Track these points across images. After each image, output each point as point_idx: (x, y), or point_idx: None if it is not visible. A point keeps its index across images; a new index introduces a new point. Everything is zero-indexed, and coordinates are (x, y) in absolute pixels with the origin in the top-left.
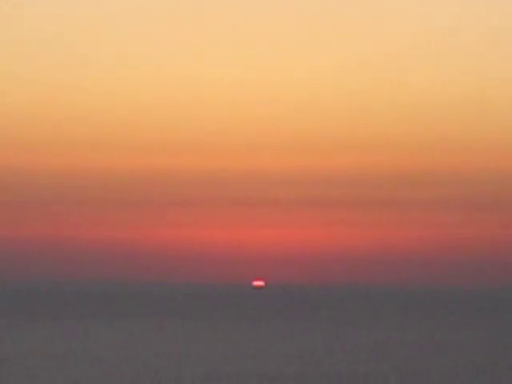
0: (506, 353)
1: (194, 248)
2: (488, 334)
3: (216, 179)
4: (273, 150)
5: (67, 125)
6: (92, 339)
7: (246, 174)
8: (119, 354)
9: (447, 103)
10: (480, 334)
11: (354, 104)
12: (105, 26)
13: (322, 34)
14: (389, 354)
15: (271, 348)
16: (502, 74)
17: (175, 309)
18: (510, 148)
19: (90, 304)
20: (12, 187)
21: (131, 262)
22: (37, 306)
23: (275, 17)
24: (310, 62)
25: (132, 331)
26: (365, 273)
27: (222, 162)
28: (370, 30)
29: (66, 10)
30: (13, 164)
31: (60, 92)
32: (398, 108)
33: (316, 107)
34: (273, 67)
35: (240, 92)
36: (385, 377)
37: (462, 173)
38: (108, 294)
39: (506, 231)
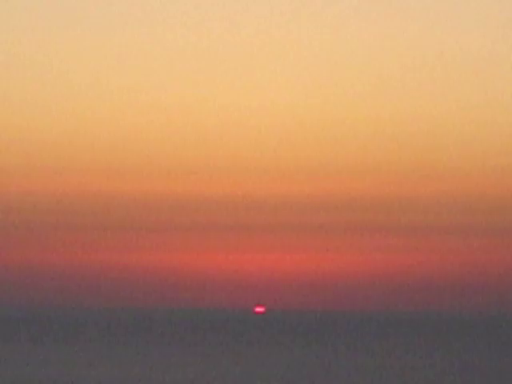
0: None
1: (193, 273)
2: (474, 359)
3: (216, 203)
4: (269, 175)
5: (67, 150)
6: (89, 366)
7: (245, 198)
8: (117, 380)
9: (433, 130)
10: (463, 359)
11: (348, 130)
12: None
13: (314, 57)
14: (390, 379)
15: (271, 374)
16: (487, 97)
17: (174, 335)
18: (494, 172)
19: (88, 330)
20: (21, 211)
21: (130, 288)
22: (39, 333)
23: (262, 41)
24: (295, 87)
25: (131, 358)
26: (364, 298)
27: (223, 187)
28: (354, 55)
29: (83, 37)
30: (23, 188)
31: (60, 118)
32: (392, 135)
33: (308, 133)
34: (257, 91)
35: (230, 116)
36: None
37: (450, 198)
38: (106, 319)
39: (490, 256)
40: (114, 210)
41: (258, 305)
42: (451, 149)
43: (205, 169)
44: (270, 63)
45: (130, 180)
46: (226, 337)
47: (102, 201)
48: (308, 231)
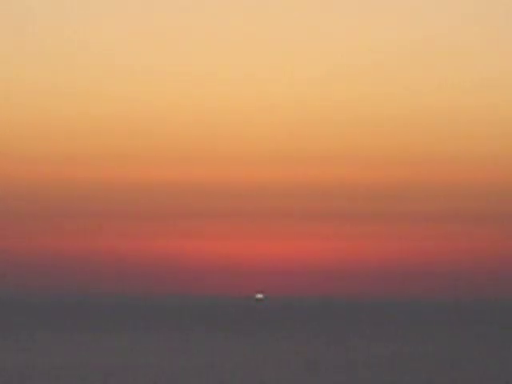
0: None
1: (194, 260)
2: (475, 346)
3: (216, 191)
4: (269, 162)
5: (84, 136)
6: (92, 351)
7: (246, 185)
8: (119, 367)
9: (431, 115)
10: (463, 346)
11: (343, 116)
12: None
13: (305, 47)
14: (388, 366)
15: (270, 360)
16: (477, 85)
17: (174, 321)
18: (492, 159)
19: (90, 316)
20: (25, 198)
21: (134, 274)
22: (39, 318)
23: (260, 29)
24: (289, 74)
25: (133, 344)
26: (361, 285)
27: (224, 174)
28: (345, 42)
29: (123, 20)
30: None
31: (82, 102)
32: (385, 120)
33: (306, 121)
34: (255, 79)
35: (226, 105)
36: None
37: (450, 185)
38: (108, 305)
39: (489, 244)
40: (113, 197)
41: (258, 291)
42: (447, 136)
43: (203, 157)
44: (266, 57)
45: (125, 168)
46: (228, 323)
47: (100, 188)
48: (308, 218)
